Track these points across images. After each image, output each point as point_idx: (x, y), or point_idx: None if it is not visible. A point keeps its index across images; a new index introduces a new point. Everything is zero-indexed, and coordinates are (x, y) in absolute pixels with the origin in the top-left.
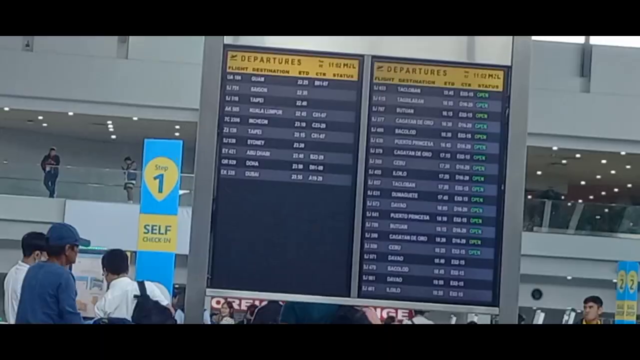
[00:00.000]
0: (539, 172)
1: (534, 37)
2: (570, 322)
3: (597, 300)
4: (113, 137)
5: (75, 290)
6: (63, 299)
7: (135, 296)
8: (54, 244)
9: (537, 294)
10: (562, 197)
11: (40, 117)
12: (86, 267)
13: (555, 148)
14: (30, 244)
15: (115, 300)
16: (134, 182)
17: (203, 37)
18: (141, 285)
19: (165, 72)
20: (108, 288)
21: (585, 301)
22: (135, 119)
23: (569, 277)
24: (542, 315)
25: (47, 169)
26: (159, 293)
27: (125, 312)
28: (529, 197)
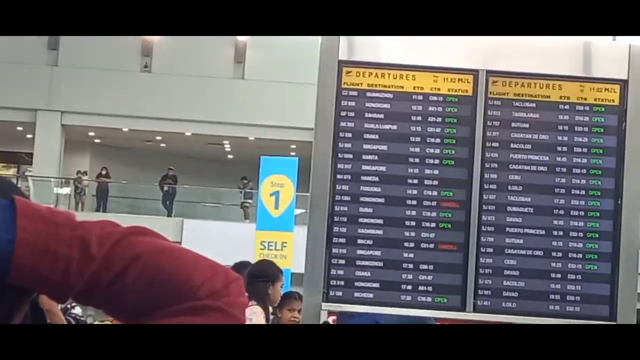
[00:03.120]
0: None
1: None
2: None
3: None
4: (230, 156)
5: None
6: None
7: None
8: None
9: None
10: None
11: (159, 138)
12: None
13: None
14: None
15: None
16: (250, 201)
17: (318, 56)
18: None
19: (281, 92)
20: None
21: None
22: (251, 138)
23: None
24: None
25: (165, 188)
26: None
27: None
28: None
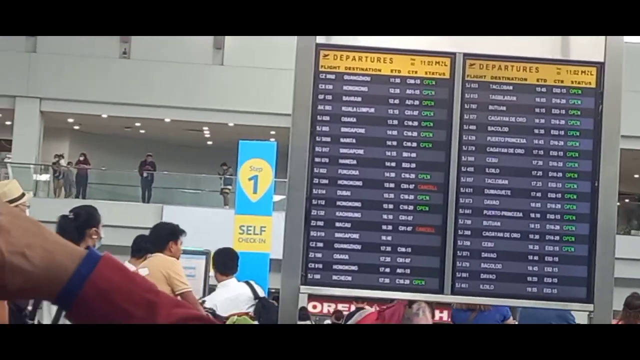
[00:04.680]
0: (636, 175)
1: (627, 39)
2: None
3: None
4: (209, 143)
5: None
6: None
7: (257, 298)
8: None
9: None
10: None
11: (138, 124)
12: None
13: None
14: (143, 248)
15: (228, 302)
16: (230, 187)
17: (295, 41)
18: (251, 287)
19: (260, 78)
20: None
21: None
22: (230, 124)
23: None
24: None
25: (144, 174)
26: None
27: None
28: (626, 200)
